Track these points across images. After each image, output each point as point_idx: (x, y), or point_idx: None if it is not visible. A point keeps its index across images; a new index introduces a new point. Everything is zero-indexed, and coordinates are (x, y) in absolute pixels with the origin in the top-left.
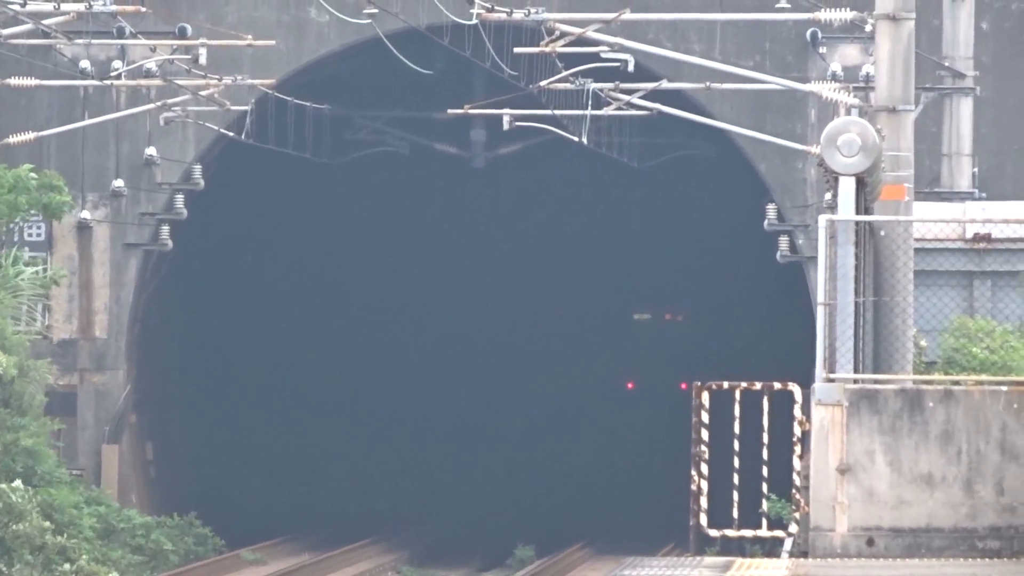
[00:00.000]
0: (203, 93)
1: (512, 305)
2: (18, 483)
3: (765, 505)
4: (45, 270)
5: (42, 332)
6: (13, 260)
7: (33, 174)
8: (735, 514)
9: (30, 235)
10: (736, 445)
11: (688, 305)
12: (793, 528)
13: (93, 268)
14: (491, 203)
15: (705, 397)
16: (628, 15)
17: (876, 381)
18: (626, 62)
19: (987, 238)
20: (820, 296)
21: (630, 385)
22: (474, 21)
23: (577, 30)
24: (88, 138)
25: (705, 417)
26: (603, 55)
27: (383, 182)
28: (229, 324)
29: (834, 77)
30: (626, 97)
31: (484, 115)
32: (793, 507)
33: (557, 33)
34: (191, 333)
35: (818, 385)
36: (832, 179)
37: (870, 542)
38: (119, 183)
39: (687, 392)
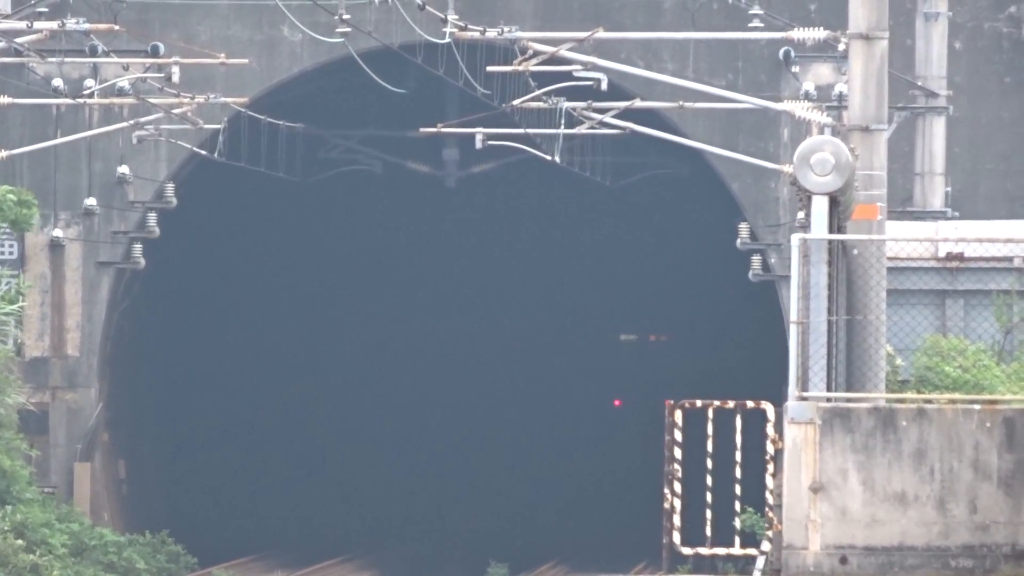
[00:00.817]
0: (176, 111)
1: (485, 323)
2: None
3: (738, 521)
4: (15, 287)
5: (12, 351)
6: None
7: (11, 195)
8: (708, 532)
9: (2, 252)
10: (709, 463)
11: (661, 323)
12: (766, 546)
13: (65, 286)
14: (464, 222)
15: (678, 416)
16: (601, 34)
17: (849, 400)
18: (599, 81)
19: (960, 257)
20: (793, 315)
21: (617, 402)
22: (447, 40)
23: (550, 49)
24: (60, 156)
25: (678, 435)
26: (576, 74)
27: (356, 201)
28: (201, 342)
29: (807, 96)
30: (599, 116)
31: (457, 134)
32: (766, 525)
33: (530, 52)
34: (163, 351)
35: (791, 403)
36: (805, 198)
37: (843, 560)
38: (91, 201)
39: (660, 411)
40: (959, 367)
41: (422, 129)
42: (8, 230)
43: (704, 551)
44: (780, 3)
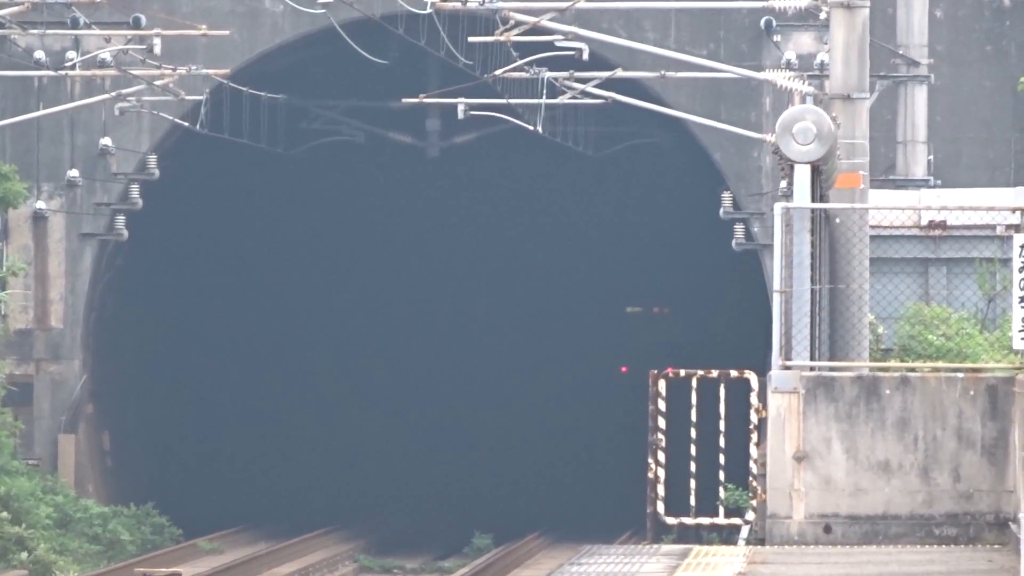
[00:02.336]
0: (158, 83)
1: (469, 293)
2: None
3: (722, 493)
4: (10, 268)
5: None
6: None
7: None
8: (692, 502)
9: None
10: (693, 433)
11: (646, 293)
12: (750, 516)
13: (49, 258)
14: (447, 192)
15: (662, 385)
16: (582, 3)
17: (832, 368)
18: (580, 51)
19: (942, 225)
20: (776, 284)
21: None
22: (429, 10)
23: (531, 19)
24: (43, 128)
25: (662, 405)
26: (557, 44)
27: (338, 171)
28: (184, 314)
29: (788, 65)
30: (581, 86)
31: (439, 104)
32: (750, 495)
33: (512, 22)
34: (147, 323)
35: (774, 373)
36: (787, 167)
37: (827, 529)
38: (74, 173)
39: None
40: (942, 335)
41: (404, 99)
42: None
43: (688, 521)
44: None
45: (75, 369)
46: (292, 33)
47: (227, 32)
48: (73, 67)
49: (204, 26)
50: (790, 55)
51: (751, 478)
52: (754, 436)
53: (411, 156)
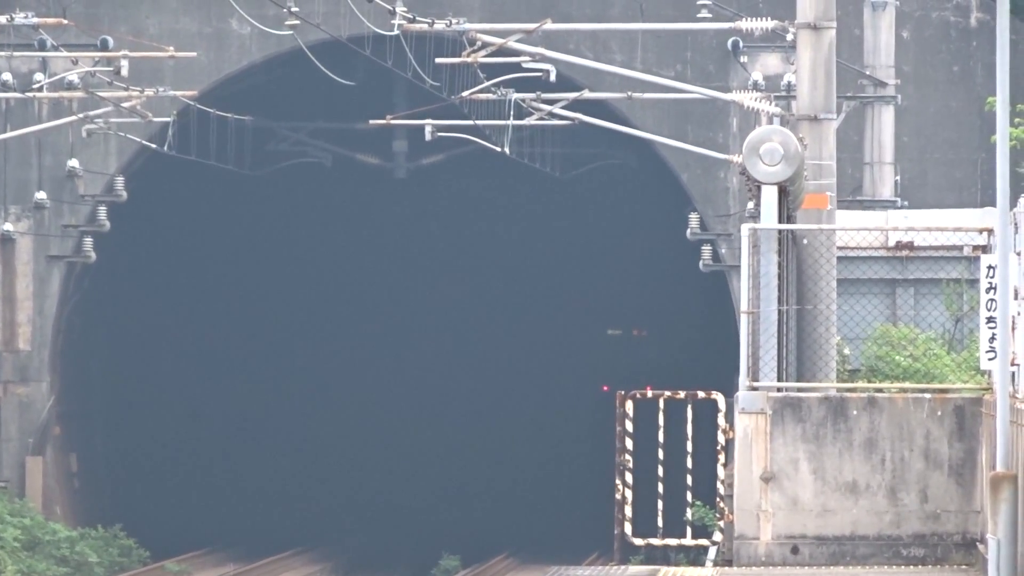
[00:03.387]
0: (125, 105)
1: (436, 313)
2: None
3: (689, 513)
4: None
5: None
6: None
7: None
8: (660, 523)
9: None
10: (660, 454)
11: (614, 314)
12: (717, 536)
13: (16, 280)
14: (415, 213)
15: (629, 406)
16: (549, 25)
17: (800, 389)
18: (548, 72)
19: (909, 246)
20: (743, 304)
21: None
22: (396, 32)
23: (499, 40)
24: (10, 150)
25: (629, 426)
26: (525, 65)
27: (306, 193)
28: (152, 335)
29: (755, 86)
30: (548, 107)
31: (406, 126)
32: (717, 515)
33: (479, 43)
34: (114, 345)
35: (742, 393)
36: (754, 188)
37: (795, 550)
38: (41, 195)
39: (611, 401)
40: (909, 356)
41: (371, 121)
42: None
43: (656, 541)
44: None
45: (43, 391)
46: (259, 54)
47: (194, 54)
48: (40, 89)
49: (171, 48)
50: (757, 76)
51: (718, 499)
52: (721, 457)
53: (378, 177)
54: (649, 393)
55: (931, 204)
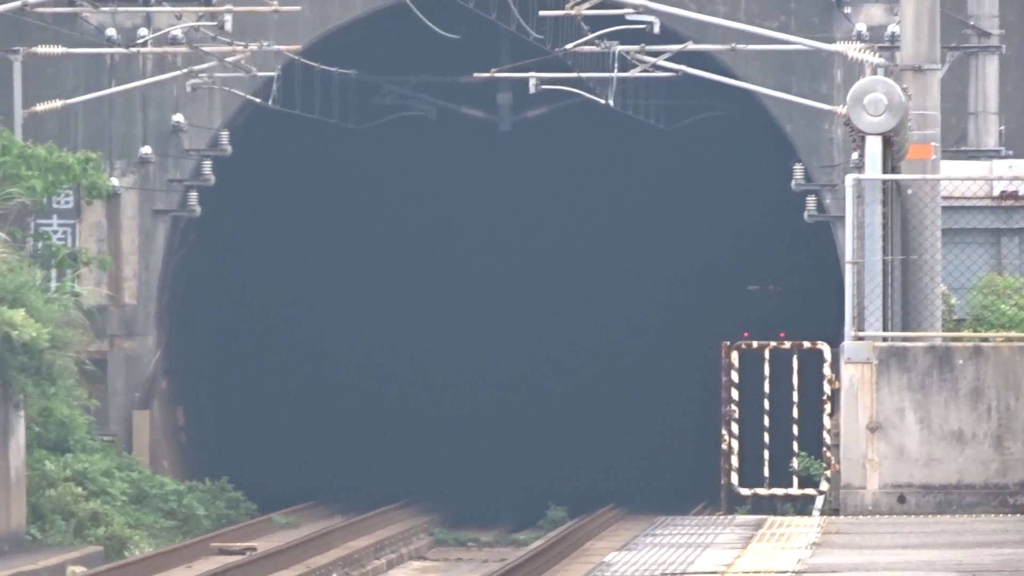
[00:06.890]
0: (229, 60)
1: (541, 270)
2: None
3: (795, 463)
4: (74, 253)
5: (77, 297)
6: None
7: (89, 155)
8: (766, 473)
9: (58, 203)
10: (766, 404)
11: (717, 267)
12: (824, 486)
13: (122, 235)
14: (518, 167)
15: (735, 357)
16: None
17: (905, 339)
18: (651, 24)
19: (1014, 196)
20: (848, 255)
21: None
22: None
23: None
24: (115, 106)
25: (735, 376)
26: (628, 17)
27: (410, 147)
28: (258, 290)
29: (859, 37)
30: (652, 59)
31: (510, 79)
32: (824, 465)
33: None
34: (220, 299)
35: (847, 343)
36: (859, 139)
37: (901, 499)
38: (147, 150)
39: (717, 352)
40: (1015, 305)
41: (475, 74)
42: (70, 187)
43: (763, 492)
44: None
45: (149, 345)
46: (363, 8)
47: (298, 8)
48: (145, 44)
49: (275, 2)
50: (861, 27)
51: (824, 449)
52: (827, 407)
53: (483, 130)
54: (755, 344)
55: None
